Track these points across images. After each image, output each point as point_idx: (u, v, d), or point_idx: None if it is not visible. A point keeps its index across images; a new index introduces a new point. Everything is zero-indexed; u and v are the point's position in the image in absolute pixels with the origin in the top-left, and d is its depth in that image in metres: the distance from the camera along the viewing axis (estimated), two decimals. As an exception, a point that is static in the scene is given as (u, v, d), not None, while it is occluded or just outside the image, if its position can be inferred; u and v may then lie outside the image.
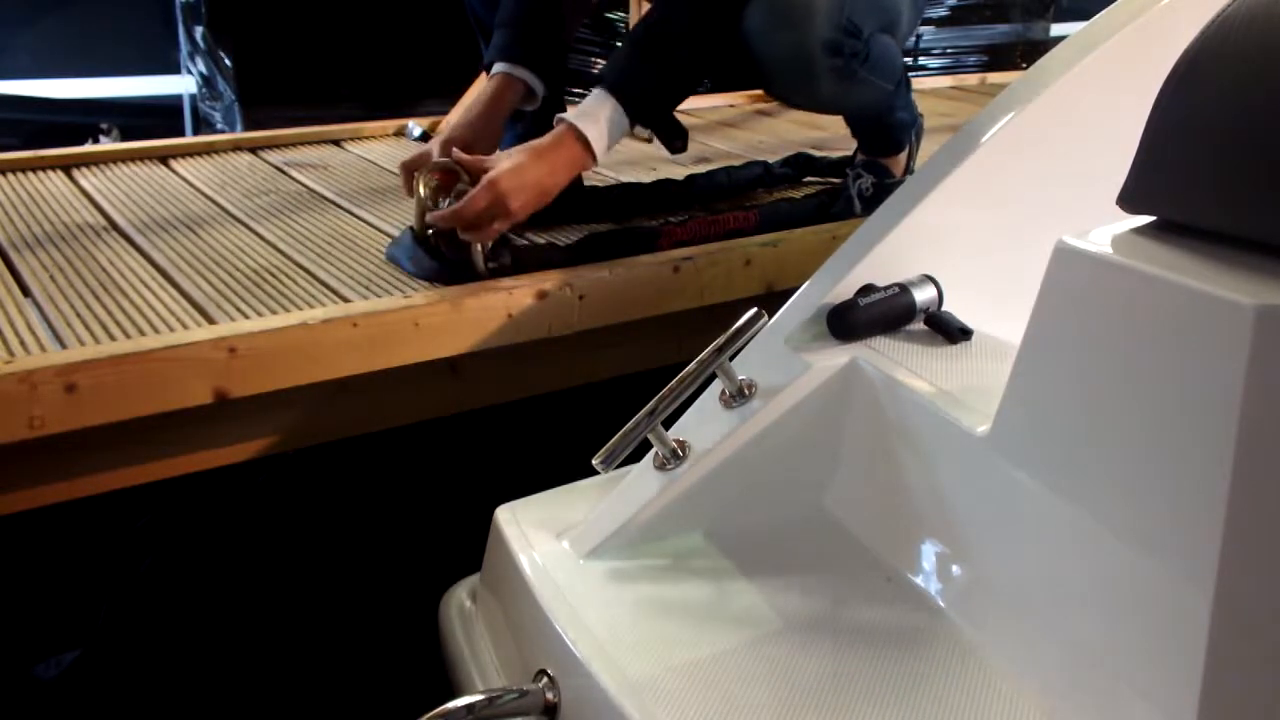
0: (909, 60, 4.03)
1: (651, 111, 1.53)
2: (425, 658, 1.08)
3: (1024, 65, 3.82)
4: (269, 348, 1.25)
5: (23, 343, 1.24)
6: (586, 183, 1.83)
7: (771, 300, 1.22)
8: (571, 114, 1.45)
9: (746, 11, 1.50)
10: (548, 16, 1.61)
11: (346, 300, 1.38)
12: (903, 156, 1.85)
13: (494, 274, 1.44)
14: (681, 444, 0.97)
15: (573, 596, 0.88)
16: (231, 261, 1.52)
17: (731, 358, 0.95)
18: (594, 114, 1.44)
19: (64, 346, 1.23)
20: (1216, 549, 0.63)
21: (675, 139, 1.56)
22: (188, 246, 1.58)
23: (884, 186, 1.79)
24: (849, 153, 1.93)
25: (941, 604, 0.86)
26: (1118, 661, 0.72)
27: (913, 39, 4.04)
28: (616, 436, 0.92)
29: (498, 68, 1.58)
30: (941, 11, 4.16)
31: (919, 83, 3.21)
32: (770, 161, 1.99)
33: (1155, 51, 0.78)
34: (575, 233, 1.64)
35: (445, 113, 2.35)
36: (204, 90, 3.49)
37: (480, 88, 1.63)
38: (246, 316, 1.32)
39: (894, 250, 1.04)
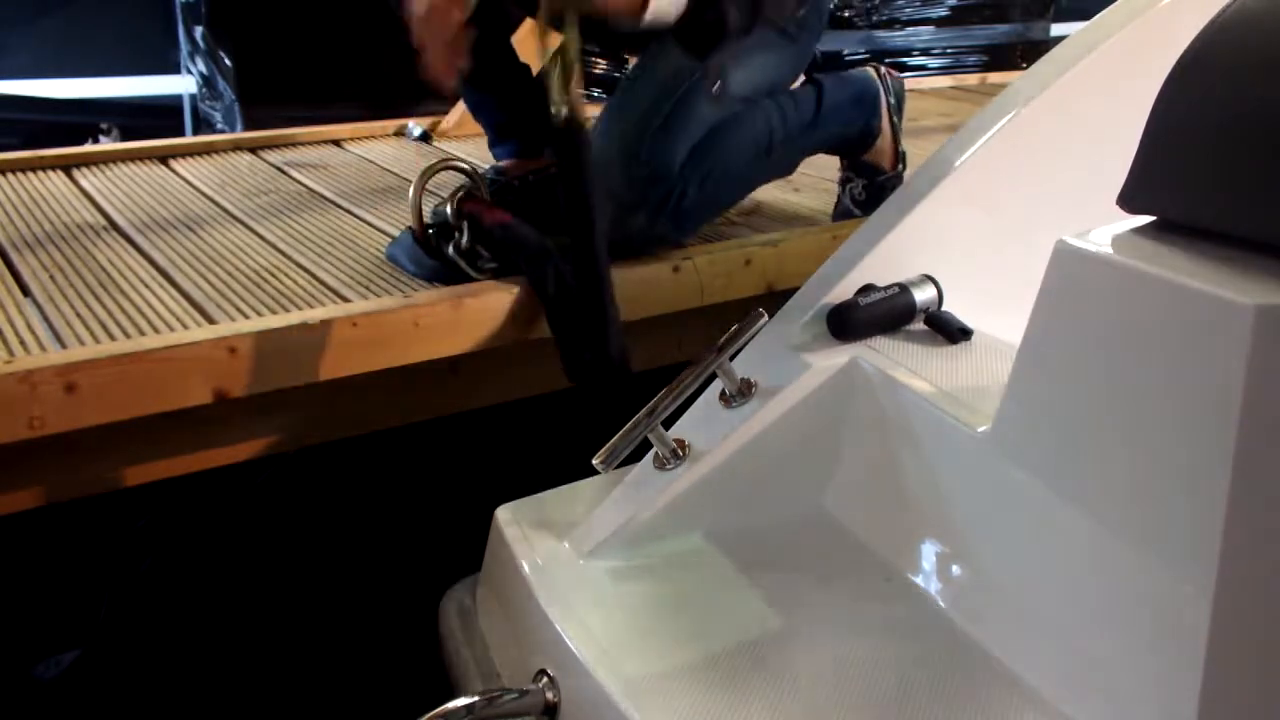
0: (908, 60, 4.02)
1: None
2: (425, 658, 1.08)
3: (1024, 65, 3.81)
4: (269, 348, 1.25)
5: (23, 343, 1.24)
6: None
7: (771, 300, 1.22)
8: None
9: None
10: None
11: (346, 300, 1.38)
12: (883, 143, 1.76)
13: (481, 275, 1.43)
14: (681, 444, 0.97)
15: (573, 596, 0.88)
16: (231, 261, 1.52)
17: (731, 358, 0.95)
18: None
19: (64, 346, 1.23)
20: (1216, 549, 0.63)
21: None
22: (188, 246, 1.58)
23: (876, 184, 1.77)
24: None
25: (941, 604, 0.86)
26: (1118, 661, 0.72)
27: (911, 39, 4.04)
28: (616, 436, 0.93)
29: None
30: (941, 11, 4.15)
31: (919, 83, 3.21)
32: None
33: (1155, 51, 0.78)
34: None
35: (445, 113, 2.35)
36: (204, 90, 3.49)
37: None
38: (246, 316, 1.32)
39: (894, 250, 1.04)
